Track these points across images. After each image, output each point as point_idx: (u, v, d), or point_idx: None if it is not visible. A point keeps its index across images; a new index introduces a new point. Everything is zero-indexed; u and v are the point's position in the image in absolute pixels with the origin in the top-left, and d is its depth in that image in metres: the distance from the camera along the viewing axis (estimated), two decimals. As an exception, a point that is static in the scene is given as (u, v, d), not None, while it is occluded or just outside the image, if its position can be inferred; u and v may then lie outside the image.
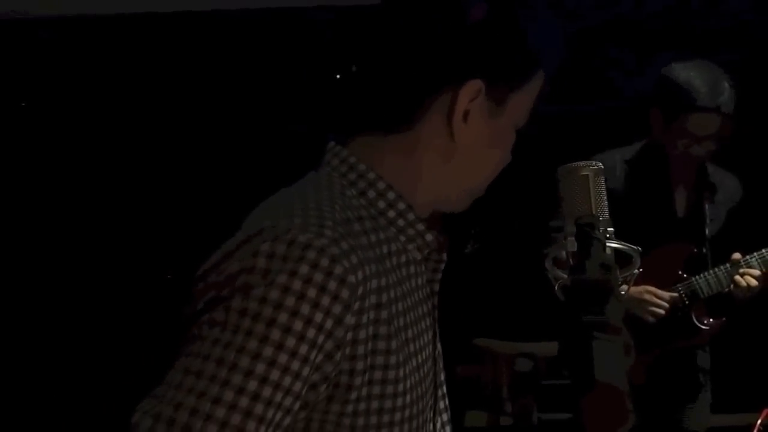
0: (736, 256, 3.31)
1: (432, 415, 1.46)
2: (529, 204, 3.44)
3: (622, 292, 1.43)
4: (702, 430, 3.52)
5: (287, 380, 1.23)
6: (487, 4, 1.41)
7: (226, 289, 1.25)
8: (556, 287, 1.47)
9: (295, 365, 1.23)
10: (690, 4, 5.15)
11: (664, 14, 5.21)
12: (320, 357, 1.25)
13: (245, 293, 1.23)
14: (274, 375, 1.22)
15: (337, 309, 1.24)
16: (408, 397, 1.35)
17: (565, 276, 1.44)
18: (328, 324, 1.24)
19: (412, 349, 1.38)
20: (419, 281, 1.43)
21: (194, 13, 5.11)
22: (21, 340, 5.05)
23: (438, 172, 1.42)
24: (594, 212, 1.45)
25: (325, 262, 1.23)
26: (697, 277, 3.37)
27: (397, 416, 1.34)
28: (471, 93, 1.38)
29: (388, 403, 1.33)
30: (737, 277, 3.29)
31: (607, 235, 1.45)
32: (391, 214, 1.39)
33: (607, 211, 1.47)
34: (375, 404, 1.32)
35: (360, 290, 1.26)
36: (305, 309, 1.22)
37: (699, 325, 3.41)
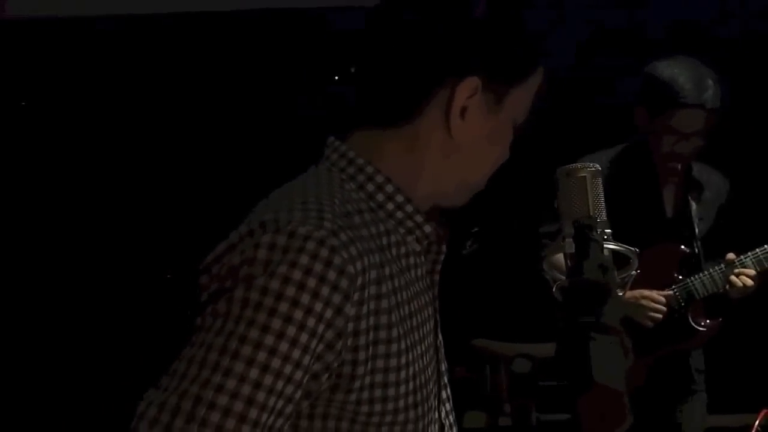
0: (731, 256, 3.30)
1: (437, 403, 1.48)
2: (527, 204, 3.44)
3: (620, 293, 1.44)
4: (700, 431, 3.51)
5: (288, 368, 1.25)
6: (488, 1, 1.42)
7: (229, 281, 1.28)
8: (554, 288, 1.47)
9: (296, 354, 1.25)
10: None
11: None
12: (321, 347, 1.27)
13: (247, 284, 1.26)
14: (276, 363, 1.24)
15: (336, 299, 1.27)
16: (411, 384, 1.37)
17: (563, 277, 1.45)
18: (328, 313, 1.26)
19: (416, 337, 1.39)
20: (419, 272, 1.45)
21: (194, 14, 5.12)
22: (21, 339, 5.05)
23: (436, 167, 1.43)
24: (592, 214, 1.46)
25: (324, 252, 1.26)
26: (692, 278, 3.36)
27: (401, 403, 1.36)
28: (468, 90, 1.39)
29: (391, 391, 1.34)
30: (733, 278, 3.28)
31: (605, 237, 1.45)
32: (390, 206, 1.41)
33: (605, 212, 1.47)
34: (378, 392, 1.33)
35: (359, 280, 1.29)
36: (305, 299, 1.25)
37: (696, 326, 3.40)
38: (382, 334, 1.33)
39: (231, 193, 4.48)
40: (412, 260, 1.43)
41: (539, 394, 4.66)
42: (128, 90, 5.28)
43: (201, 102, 5.27)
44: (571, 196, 1.47)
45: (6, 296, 5.06)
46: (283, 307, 1.25)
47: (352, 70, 1.47)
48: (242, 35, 5.28)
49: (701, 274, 3.34)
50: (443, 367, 1.52)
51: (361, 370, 1.31)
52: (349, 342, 1.29)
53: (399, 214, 1.41)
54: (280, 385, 1.25)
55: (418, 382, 1.39)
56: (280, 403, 1.26)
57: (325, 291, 1.26)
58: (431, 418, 1.44)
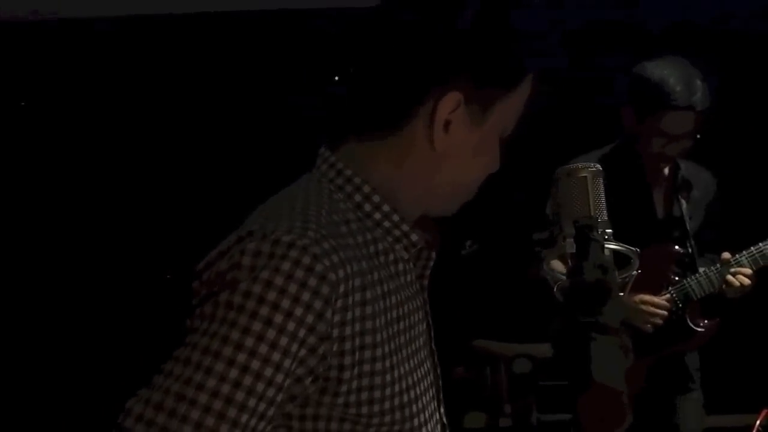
0: (726, 255, 3.29)
1: (436, 404, 1.52)
2: (527, 204, 3.43)
3: (621, 294, 1.44)
4: (698, 429, 3.50)
5: (268, 370, 1.29)
6: (476, 11, 1.42)
7: (216, 285, 1.33)
8: (554, 289, 1.47)
9: (276, 356, 1.29)
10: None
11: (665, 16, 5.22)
12: (303, 351, 1.31)
13: (232, 288, 1.30)
14: (255, 364, 1.28)
15: (317, 304, 1.30)
16: (397, 387, 1.40)
17: (564, 277, 1.45)
18: (309, 318, 1.30)
19: (403, 340, 1.43)
20: (409, 278, 1.48)
21: (194, 15, 5.12)
22: (21, 339, 5.05)
23: (422, 179, 1.46)
24: (592, 214, 1.46)
25: (306, 260, 1.30)
26: (688, 279, 3.34)
27: (386, 405, 1.39)
28: (451, 104, 1.41)
29: (377, 393, 1.38)
30: (730, 278, 3.27)
31: (606, 237, 1.45)
32: (377, 216, 1.44)
33: (605, 212, 1.47)
34: (365, 395, 1.37)
35: (342, 288, 1.32)
36: (286, 303, 1.29)
37: (694, 327, 3.39)
38: (368, 339, 1.36)
39: (231, 193, 4.48)
40: (401, 267, 1.46)
41: (539, 395, 4.66)
42: (129, 91, 5.28)
43: (202, 103, 5.27)
44: (571, 196, 1.47)
45: (6, 296, 5.06)
46: (264, 310, 1.29)
47: (350, 71, 1.49)
48: (242, 36, 5.28)
49: (697, 275, 3.33)
50: (439, 370, 1.55)
51: (347, 374, 1.35)
52: (335, 347, 1.33)
53: (386, 224, 1.45)
54: (260, 386, 1.29)
55: (405, 384, 1.42)
56: (262, 405, 1.29)
57: (305, 296, 1.29)
58: (425, 419, 1.47)
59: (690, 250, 3.36)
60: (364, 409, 1.37)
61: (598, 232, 1.44)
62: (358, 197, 1.44)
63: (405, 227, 1.45)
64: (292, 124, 5.19)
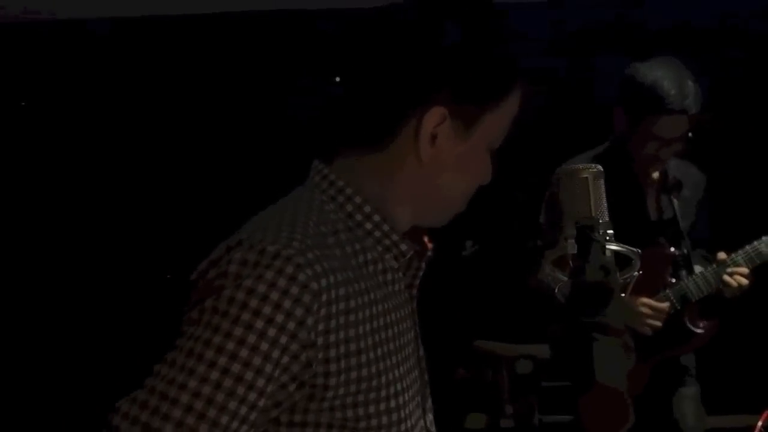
0: (722, 255, 3.27)
1: (421, 412, 1.55)
2: (527, 205, 3.43)
3: (622, 295, 1.44)
4: (698, 425, 3.49)
5: (249, 374, 1.33)
6: (461, 27, 1.43)
7: (204, 293, 1.38)
8: (556, 290, 1.47)
9: (256, 360, 1.33)
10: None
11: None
12: (286, 358, 1.35)
13: (217, 295, 1.35)
14: (235, 367, 1.32)
15: (298, 312, 1.34)
16: (384, 392, 1.44)
17: (565, 278, 1.45)
18: (290, 325, 1.34)
19: (391, 347, 1.47)
20: (398, 287, 1.52)
21: (193, 16, 5.11)
22: (21, 340, 5.05)
23: (412, 192, 1.50)
24: (594, 214, 1.46)
25: (290, 269, 1.34)
26: (685, 280, 3.33)
27: (371, 409, 1.43)
28: (435, 118, 1.44)
29: (360, 397, 1.41)
30: (727, 278, 3.25)
31: (607, 238, 1.45)
32: (368, 225, 1.48)
33: (606, 213, 1.47)
34: (350, 399, 1.41)
35: (324, 296, 1.36)
36: (267, 309, 1.33)
37: (693, 329, 3.38)
38: (353, 347, 1.40)
39: (231, 193, 4.48)
40: (389, 276, 1.50)
41: (541, 396, 4.66)
42: (130, 92, 5.28)
43: (203, 103, 5.27)
44: (573, 197, 1.47)
45: (6, 296, 5.06)
46: (246, 316, 1.33)
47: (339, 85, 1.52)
48: (242, 37, 5.28)
49: (694, 276, 3.32)
50: (426, 377, 1.58)
51: (333, 381, 1.38)
52: (320, 355, 1.37)
53: (376, 233, 1.48)
54: (240, 389, 1.33)
55: (393, 390, 1.45)
56: (243, 408, 1.33)
57: (287, 304, 1.33)
58: (411, 425, 1.49)
59: (685, 250, 3.35)
60: (350, 413, 1.40)
61: (599, 232, 1.45)
62: (349, 207, 1.47)
63: (395, 237, 1.49)
64: (292, 125, 5.19)
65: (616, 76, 3.31)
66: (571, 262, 1.45)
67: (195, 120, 5.26)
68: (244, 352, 1.32)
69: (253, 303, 1.33)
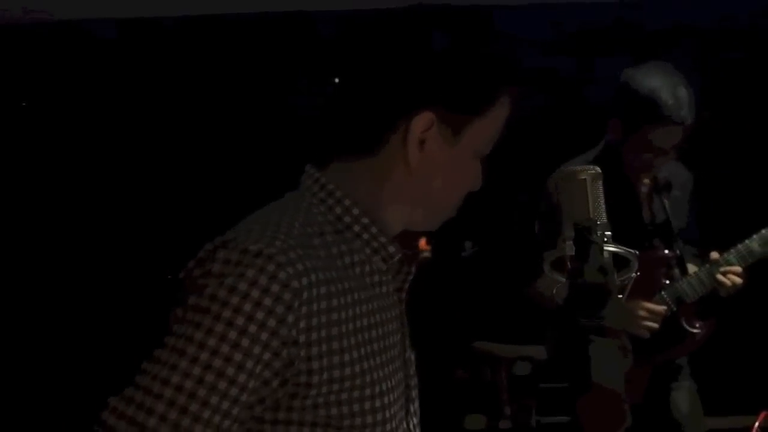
0: (714, 255, 3.27)
1: (404, 414, 1.55)
2: (527, 205, 3.42)
3: (620, 296, 1.44)
4: (697, 421, 3.48)
5: (230, 369, 1.35)
6: (449, 36, 1.44)
7: (190, 291, 1.41)
8: (554, 291, 1.47)
9: (237, 356, 1.35)
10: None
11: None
12: (267, 354, 1.36)
13: (200, 292, 1.38)
14: (217, 363, 1.34)
15: (279, 309, 1.36)
16: (368, 391, 1.45)
17: (564, 279, 1.45)
18: (270, 322, 1.36)
19: (375, 347, 1.48)
20: (385, 289, 1.54)
21: (193, 17, 5.12)
22: (21, 340, 5.05)
23: (402, 196, 1.51)
24: (592, 216, 1.46)
25: (271, 267, 1.36)
26: (680, 281, 3.32)
27: (356, 407, 1.44)
28: (423, 124, 1.46)
29: (344, 396, 1.43)
30: (721, 278, 3.24)
31: (605, 239, 1.46)
32: (357, 228, 1.50)
33: (605, 214, 1.47)
34: (333, 398, 1.42)
35: (305, 295, 1.38)
36: (248, 307, 1.35)
37: (690, 329, 3.37)
38: (335, 345, 1.42)
39: (230, 193, 4.48)
40: (377, 278, 1.52)
41: (539, 397, 4.66)
42: (129, 91, 5.28)
43: (203, 103, 5.27)
44: (571, 198, 1.47)
45: (6, 296, 5.06)
46: (227, 313, 1.35)
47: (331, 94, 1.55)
48: (242, 38, 5.28)
49: (688, 277, 3.31)
50: (413, 381, 1.60)
51: (316, 378, 1.40)
52: (302, 353, 1.38)
53: (365, 235, 1.50)
54: (222, 383, 1.35)
55: (378, 390, 1.47)
56: (225, 402, 1.35)
57: (267, 301, 1.35)
58: (395, 426, 1.51)
59: (678, 252, 3.34)
60: (334, 411, 1.42)
61: (597, 234, 1.45)
62: (338, 209, 1.49)
63: (383, 239, 1.50)
64: (292, 125, 5.19)
65: (617, 76, 3.30)
66: (569, 263, 1.45)
67: (195, 120, 5.26)
68: (225, 348, 1.34)
69: (234, 300, 1.35)
